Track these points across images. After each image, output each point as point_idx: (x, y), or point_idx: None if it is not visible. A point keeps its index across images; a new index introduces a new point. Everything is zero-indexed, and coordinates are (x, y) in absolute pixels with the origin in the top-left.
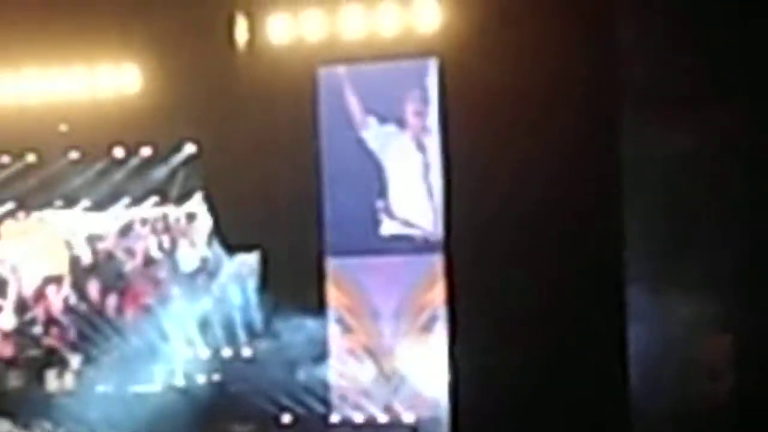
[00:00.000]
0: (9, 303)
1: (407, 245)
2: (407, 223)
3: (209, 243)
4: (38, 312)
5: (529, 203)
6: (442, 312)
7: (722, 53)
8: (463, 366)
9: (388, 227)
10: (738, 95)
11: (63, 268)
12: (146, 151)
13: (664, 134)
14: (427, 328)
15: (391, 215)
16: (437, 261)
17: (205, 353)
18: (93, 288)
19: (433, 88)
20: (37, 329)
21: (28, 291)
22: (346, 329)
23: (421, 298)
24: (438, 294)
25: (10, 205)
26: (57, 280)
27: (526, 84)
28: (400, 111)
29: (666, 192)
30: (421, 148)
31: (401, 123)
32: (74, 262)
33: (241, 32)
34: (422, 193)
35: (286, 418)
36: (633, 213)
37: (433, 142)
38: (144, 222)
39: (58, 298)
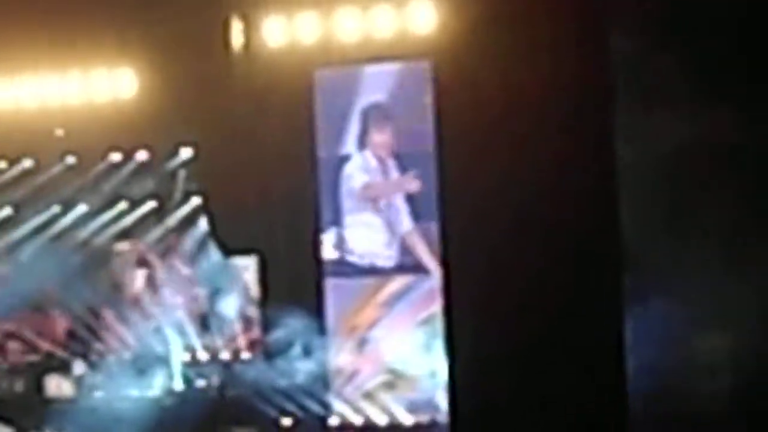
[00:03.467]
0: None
1: None
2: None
3: (207, 246)
4: (37, 317)
5: (524, 198)
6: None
7: (714, 54)
8: (460, 365)
9: None
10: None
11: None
12: (143, 156)
13: (658, 131)
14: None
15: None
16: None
17: (203, 357)
18: (91, 293)
19: (428, 90)
20: (36, 336)
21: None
22: (344, 333)
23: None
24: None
25: (7, 211)
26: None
27: (520, 85)
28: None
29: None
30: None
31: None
32: (72, 267)
33: (237, 36)
34: None
35: (286, 421)
36: (629, 210)
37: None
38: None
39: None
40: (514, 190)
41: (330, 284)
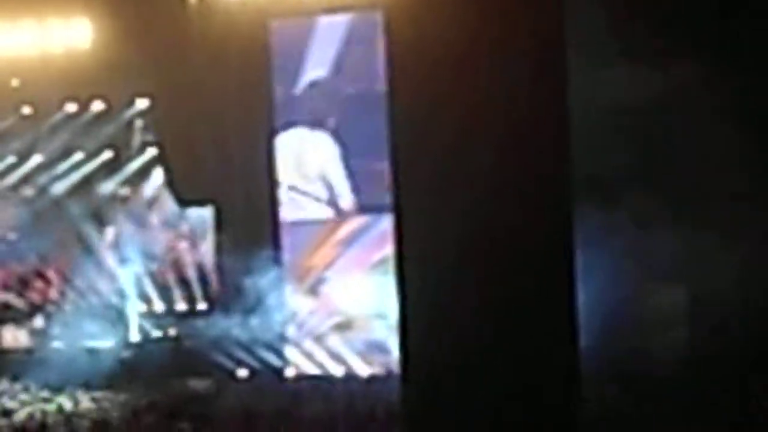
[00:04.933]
0: None
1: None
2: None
3: (162, 198)
4: None
5: (477, 154)
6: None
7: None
8: (413, 315)
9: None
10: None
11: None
12: (99, 106)
13: (613, 84)
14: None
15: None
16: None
17: (159, 308)
18: (48, 243)
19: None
20: None
21: None
22: (300, 282)
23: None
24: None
25: None
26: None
27: (474, 36)
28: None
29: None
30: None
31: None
32: (27, 217)
33: None
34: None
35: (242, 373)
36: (581, 162)
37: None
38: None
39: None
40: (467, 141)
41: (286, 228)
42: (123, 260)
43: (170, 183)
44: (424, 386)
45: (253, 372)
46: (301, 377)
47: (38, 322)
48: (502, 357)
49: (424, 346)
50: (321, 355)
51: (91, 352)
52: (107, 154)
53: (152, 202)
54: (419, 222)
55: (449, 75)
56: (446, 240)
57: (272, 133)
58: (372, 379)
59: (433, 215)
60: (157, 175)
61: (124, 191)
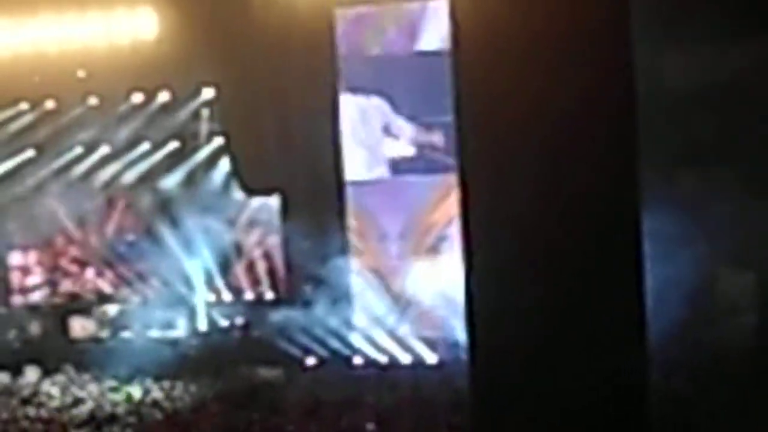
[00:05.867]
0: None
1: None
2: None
3: (229, 187)
4: (61, 261)
5: (545, 136)
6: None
7: None
8: (479, 300)
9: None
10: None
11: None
12: (165, 96)
13: (679, 67)
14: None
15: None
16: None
17: (228, 298)
18: (112, 233)
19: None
20: (60, 278)
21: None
22: (367, 270)
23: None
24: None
25: (29, 152)
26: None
27: (540, 21)
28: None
29: (683, 128)
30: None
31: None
32: (94, 210)
33: None
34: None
35: (310, 361)
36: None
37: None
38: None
39: (78, 246)
40: (535, 123)
41: (352, 210)
42: (190, 250)
43: (236, 172)
44: (491, 373)
45: (321, 360)
46: (369, 365)
47: (107, 312)
48: (569, 344)
49: (491, 332)
50: (388, 343)
51: (160, 341)
52: (173, 144)
53: (219, 192)
54: (485, 204)
55: (516, 55)
56: (513, 223)
57: (337, 121)
58: (439, 365)
59: (499, 197)
60: (224, 165)
61: (191, 181)
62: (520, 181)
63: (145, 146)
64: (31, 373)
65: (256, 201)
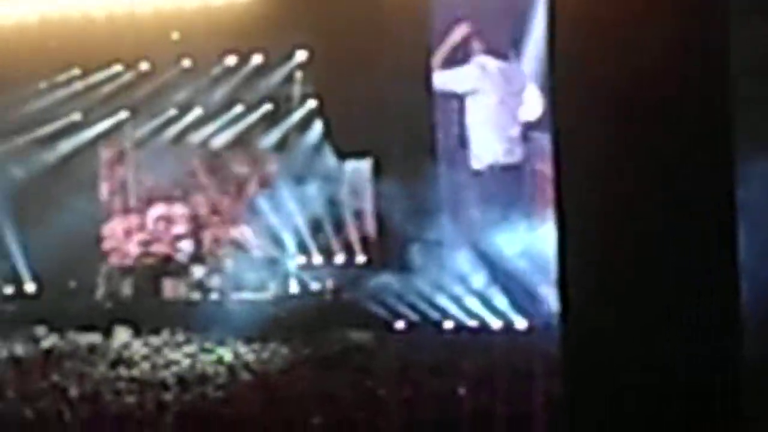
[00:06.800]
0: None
1: None
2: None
3: (322, 150)
4: (157, 223)
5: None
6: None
7: None
8: (572, 266)
9: None
10: None
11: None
12: (258, 59)
13: None
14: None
15: None
16: None
17: (318, 260)
18: (206, 197)
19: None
20: (155, 239)
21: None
22: (459, 234)
23: None
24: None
25: (123, 114)
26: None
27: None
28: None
29: None
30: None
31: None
32: (188, 172)
33: None
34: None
35: (400, 325)
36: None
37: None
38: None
39: (173, 208)
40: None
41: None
42: (282, 212)
43: (329, 135)
44: (584, 339)
45: (411, 324)
46: (460, 329)
47: (198, 273)
48: (662, 310)
49: (584, 298)
50: (479, 307)
51: (251, 304)
52: (267, 107)
53: (312, 154)
54: (580, 168)
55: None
56: (607, 188)
57: (431, 83)
58: (530, 330)
59: (593, 163)
60: (316, 128)
61: (284, 144)
62: (614, 146)
63: (239, 108)
64: (122, 334)
65: (349, 164)
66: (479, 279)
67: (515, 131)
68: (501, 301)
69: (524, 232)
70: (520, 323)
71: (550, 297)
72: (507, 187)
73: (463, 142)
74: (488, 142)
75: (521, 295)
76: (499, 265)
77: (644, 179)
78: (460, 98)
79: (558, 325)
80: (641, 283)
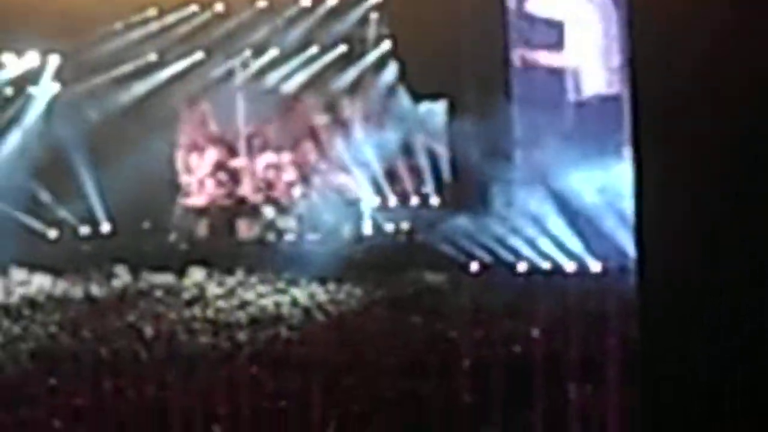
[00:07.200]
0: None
1: None
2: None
3: (396, 91)
4: (231, 164)
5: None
6: None
7: None
8: (649, 209)
9: None
10: None
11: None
12: (333, 0)
13: None
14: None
15: None
16: None
17: (393, 202)
18: (280, 137)
19: None
20: (229, 180)
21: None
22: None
23: None
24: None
25: (198, 55)
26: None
27: None
28: None
29: None
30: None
31: None
32: (259, 114)
33: None
34: None
35: (474, 267)
36: None
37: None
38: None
39: (247, 149)
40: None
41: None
42: (357, 154)
43: (404, 76)
44: (659, 282)
45: (485, 266)
46: (534, 272)
47: (273, 214)
48: (739, 253)
49: (660, 241)
50: (553, 250)
51: (325, 245)
52: (342, 48)
53: (386, 96)
54: (657, 116)
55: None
56: (684, 132)
57: (507, 25)
58: (604, 273)
59: (672, 107)
60: (391, 69)
61: (359, 85)
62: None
63: (314, 50)
64: (196, 274)
65: (423, 106)
66: (554, 221)
67: (616, 62)
68: (576, 244)
69: (602, 175)
70: (595, 266)
71: (626, 240)
72: (605, 119)
73: (559, 74)
74: (591, 72)
75: (597, 238)
76: (575, 207)
77: (730, 123)
78: (559, 27)
79: (633, 269)
80: (717, 228)
